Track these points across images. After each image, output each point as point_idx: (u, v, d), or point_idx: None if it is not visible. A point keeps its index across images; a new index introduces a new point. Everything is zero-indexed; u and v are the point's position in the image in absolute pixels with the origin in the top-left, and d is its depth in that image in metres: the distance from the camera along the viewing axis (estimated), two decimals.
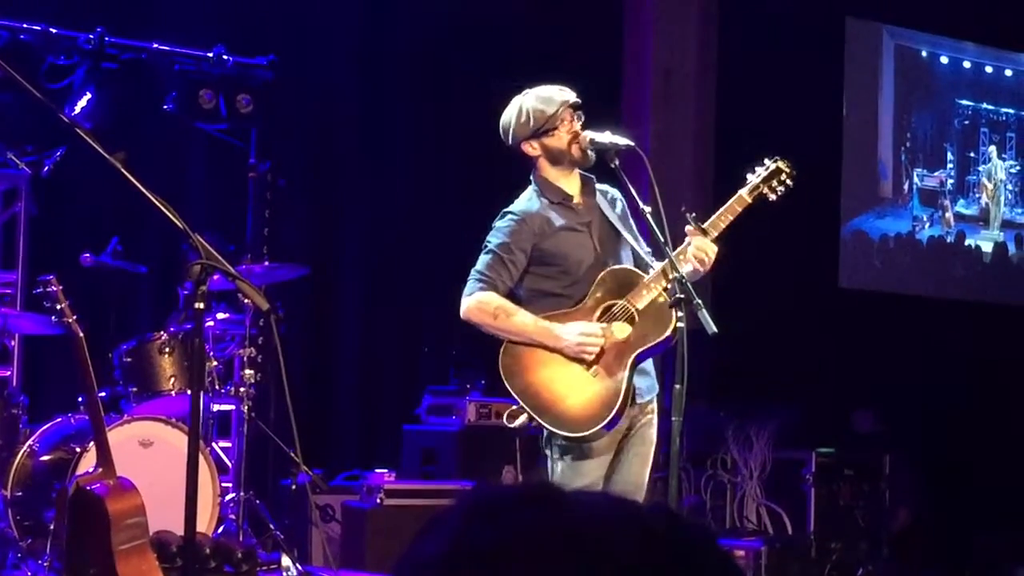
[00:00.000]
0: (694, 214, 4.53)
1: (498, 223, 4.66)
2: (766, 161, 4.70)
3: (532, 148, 4.65)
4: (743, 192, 4.62)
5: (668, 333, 4.44)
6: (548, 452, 4.55)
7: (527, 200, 4.68)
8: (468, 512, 1.17)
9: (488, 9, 8.42)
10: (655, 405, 4.66)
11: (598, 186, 4.78)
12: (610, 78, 8.96)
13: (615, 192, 4.82)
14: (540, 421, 4.41)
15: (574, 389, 4.44)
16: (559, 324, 4.48)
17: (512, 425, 4.47)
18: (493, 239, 4.61)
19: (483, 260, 4.59)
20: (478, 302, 4.51)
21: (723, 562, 1.19)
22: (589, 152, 4.62)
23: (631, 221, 4.81)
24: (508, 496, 1.18)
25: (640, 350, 4.48)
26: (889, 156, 9.96)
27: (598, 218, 4.67)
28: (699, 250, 4.50)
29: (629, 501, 1.18)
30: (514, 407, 4.45)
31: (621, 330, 4.49)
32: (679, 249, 4.53)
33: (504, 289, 4.56)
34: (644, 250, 4.72)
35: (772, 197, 4.66)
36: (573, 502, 1.16)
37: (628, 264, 4.65)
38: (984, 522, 8.27)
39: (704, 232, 4.50)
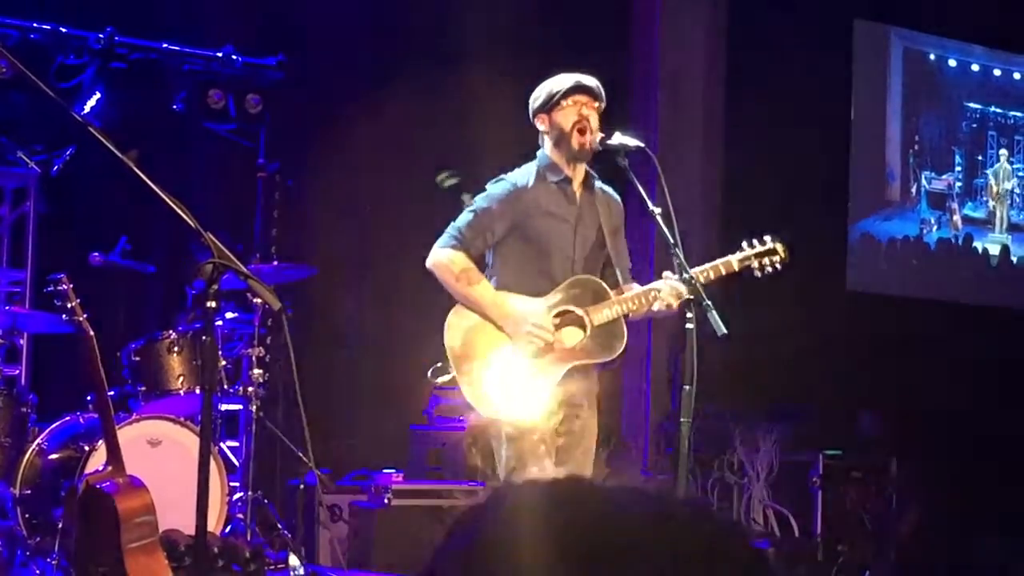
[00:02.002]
0: (680, 260, 4.40)
1: (491, 187, 4.73)
2: (766, 238, 4.70)
3: (542, 122, 4.71)
4: (733, 259, 4.60)
5: (611, 357, 4.57)
6: (495, 441, 4.61)
7: (525, 174, 4.72)
8: (500, 506, 1.18)
9: (496, 13, 8.42)
10: (592, 401, 4.71)
11: (604, 187, 4.79)
12: (618, 82, 8.95)
13: (617, 198, 4.83)
14: (461, 385, 4.54)
15: (506, 374, 4.52)
16: (512, 304, 4.54)
17: (435, 380, 4.66)
18: (481, 202, 4.69)
19: (465, 218, 4.67)
20: (448, 259, 4.62)
21: (755, 561, 1.19)
22: (587, 146, 4.63)
23: (622, 233, 4.81)
24: (539, 491, 1.19)
25: (579, 362, 4.56)
26: (897, 159, 9.95)
27: (588, 217, 4.70)
28: (671, 296, 4.48)
29: (663, 497, 1.18)
30: (441, 364, 4.60)
31: (571, 336, 4.56)
32: (653, 285, 4.55)
33: (476, 253, 4.66)
34: (623, 266, 4.75)
35: (758, 274, 4.66)
36: (605, 498, 1.17)
37: (596, 272, 4.68)
38: (990, 525, 8.26)
39: (687, 282, 4.38)
